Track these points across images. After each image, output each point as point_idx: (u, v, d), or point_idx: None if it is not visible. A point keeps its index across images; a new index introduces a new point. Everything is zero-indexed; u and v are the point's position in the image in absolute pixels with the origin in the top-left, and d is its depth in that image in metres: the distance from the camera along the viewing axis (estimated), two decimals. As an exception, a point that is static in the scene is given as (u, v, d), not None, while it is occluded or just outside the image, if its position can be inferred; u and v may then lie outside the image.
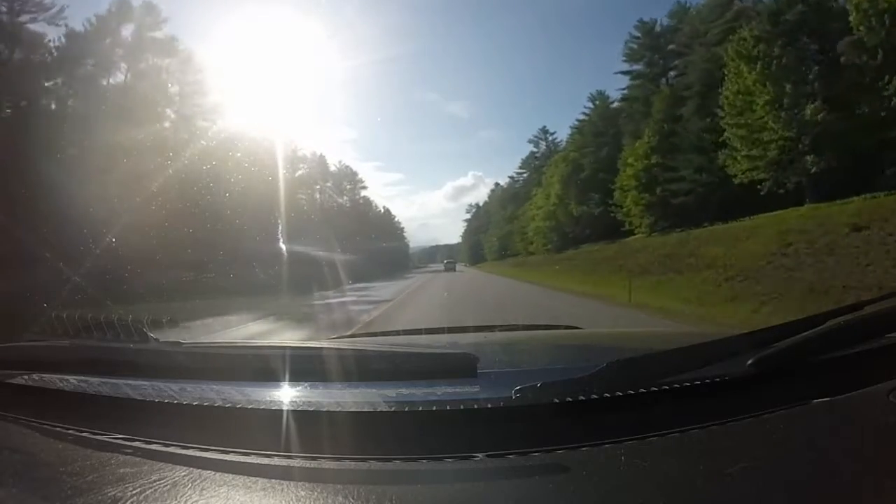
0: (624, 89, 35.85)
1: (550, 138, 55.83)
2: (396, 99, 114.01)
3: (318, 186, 44.32)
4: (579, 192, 36.02)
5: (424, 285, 25.58)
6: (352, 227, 40.89)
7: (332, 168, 51.73)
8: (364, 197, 59.18)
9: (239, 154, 20.12)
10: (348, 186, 55.01)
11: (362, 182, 57.92)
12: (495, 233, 67.28)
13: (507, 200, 62.49)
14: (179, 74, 24.78)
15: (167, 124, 21.56)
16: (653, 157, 26.95)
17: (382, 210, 71.92)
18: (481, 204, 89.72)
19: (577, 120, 41.26)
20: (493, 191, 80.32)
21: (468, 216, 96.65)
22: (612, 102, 37.54)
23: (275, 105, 33.73)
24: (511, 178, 66.38)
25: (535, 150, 58.07)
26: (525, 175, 60.81)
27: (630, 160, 28.15)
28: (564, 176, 37.25)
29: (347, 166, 56.04)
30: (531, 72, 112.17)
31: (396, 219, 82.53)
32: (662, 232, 25.44)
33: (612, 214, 30.71)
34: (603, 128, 36.26)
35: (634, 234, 28.51)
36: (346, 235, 33.81)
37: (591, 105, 39.41)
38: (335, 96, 72.72)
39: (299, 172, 33.36)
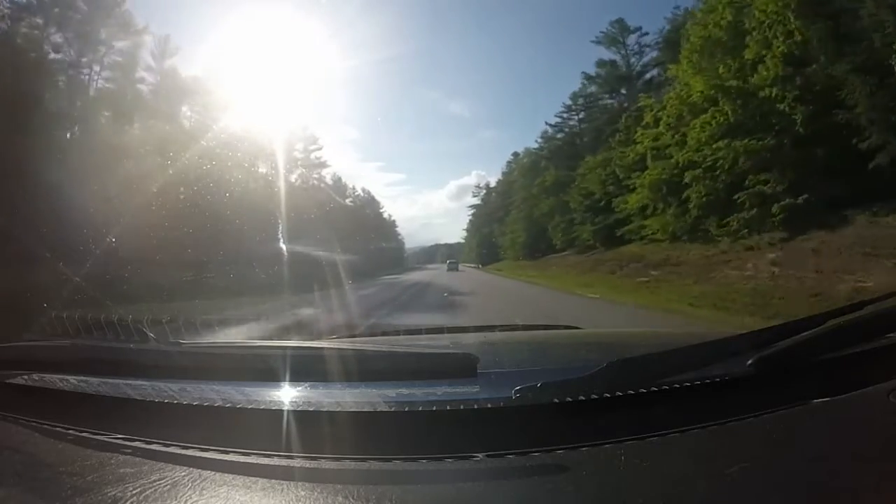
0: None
1: (635, 39, 30.74)
2: (398, 98, 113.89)
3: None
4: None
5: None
6: (314, 212, 29.47)
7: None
8: (322, 161, 39.72)
9: (239, 154, 19.88)
10: (300, 151, 36.69)
11: (318, 147, 38.58)
12: (520, 216, 41.17)
13: (547, 163, 37.32)
14: (179, 73, 24.71)
15: (168, 124, 21.44)
16: None
17: (362, 192, 56.80)
18: (493, 185, 64.14)
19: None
20: (510, 163, 53.48)
21: (477, 201, 70.60)
22: None
23: (275, 105, 33.51)
24: (551, 125, 38.97)
25: (608, 58, 32.01)
26: (577, 117, 36.07)
27: None
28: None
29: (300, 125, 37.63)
30: (533, 69, 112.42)
31: (384, 209, 67.19)
32: None
33: None
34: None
35: None
36: (309, 225, 25.50)
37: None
38: (336, 96, 72.33)
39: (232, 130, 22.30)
